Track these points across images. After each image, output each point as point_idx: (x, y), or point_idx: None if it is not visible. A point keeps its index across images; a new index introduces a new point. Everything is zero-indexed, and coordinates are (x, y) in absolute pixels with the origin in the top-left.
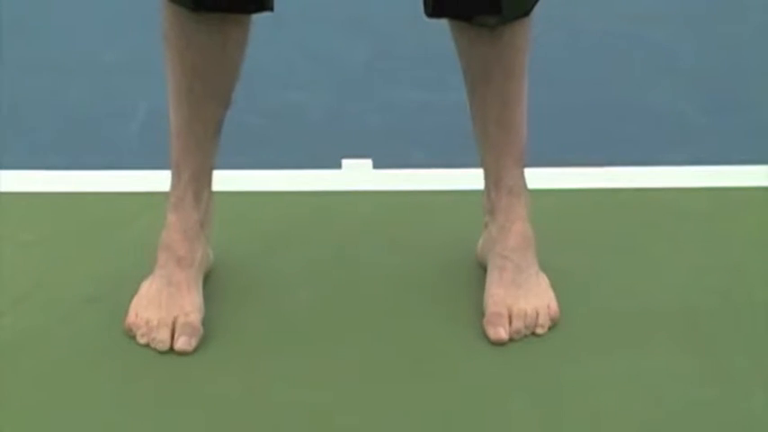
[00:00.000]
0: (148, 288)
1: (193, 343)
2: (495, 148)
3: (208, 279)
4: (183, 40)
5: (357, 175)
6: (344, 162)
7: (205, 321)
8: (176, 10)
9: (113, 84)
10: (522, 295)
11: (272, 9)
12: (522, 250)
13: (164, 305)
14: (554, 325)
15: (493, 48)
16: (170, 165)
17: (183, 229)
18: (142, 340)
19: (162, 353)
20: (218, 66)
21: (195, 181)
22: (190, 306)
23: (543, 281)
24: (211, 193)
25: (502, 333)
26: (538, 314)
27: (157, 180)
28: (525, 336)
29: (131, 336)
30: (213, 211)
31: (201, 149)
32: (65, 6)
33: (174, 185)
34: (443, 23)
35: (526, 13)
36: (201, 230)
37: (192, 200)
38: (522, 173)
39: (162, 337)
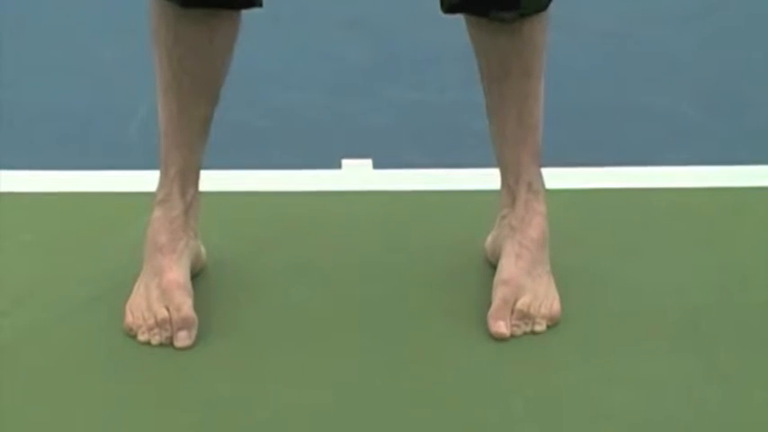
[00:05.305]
0: (138, 287)
1: (192, 335)
2: (515, 145)
3: (207, 279)
4: (171, 36)
5: (357, 175)
6: (344, 162)
7: (205, 321)
8: (165, 5)
9: (113, 84)
10: (530, 287)
11: (260, 5)
12: (540, 244)
13: (154, 299)
14: (554, 325)
15: (512, 44)
16: (158, 162)
17: (168, 221)
18: (143, 338)
19: (163, 350)
20: (205, 61)
21: (181, 178)
22: (179, 296)
23: (552, 282)
24: (198, 191)
25: (502, 328)
26: (539, 309)
27: (157, 180)
28: (524, 332)
29: (132, 335)
30: (199, 208)
31: (188, 146)
32: (65, 6)
33: (160, 182)
34: (447, 22)
35: (543, 7)
36: (186, 221)
37: (177, 195)
38: (540, 171)
39: (161, 335)
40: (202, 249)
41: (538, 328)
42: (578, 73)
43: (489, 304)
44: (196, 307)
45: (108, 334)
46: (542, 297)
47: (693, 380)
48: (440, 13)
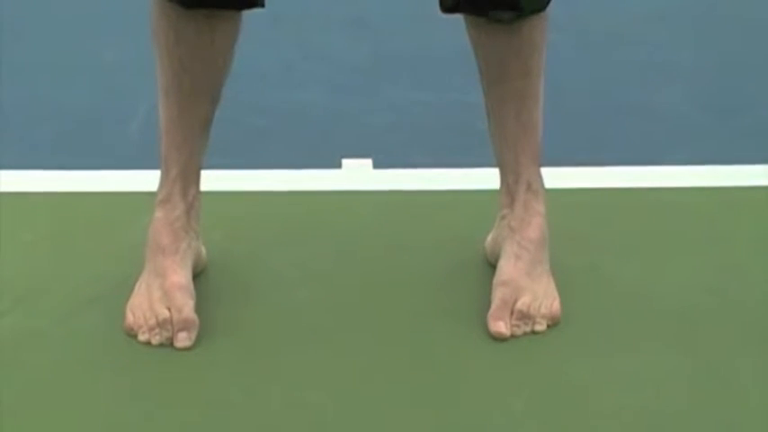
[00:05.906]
0: (139, 287)
1: (193, 337)
2: (514, 145)
3: (208, 279)
4: (172, 36)
5: (357, 175)
6: (344, 162)
7: (205, 321)
8: (166, 6)
9: (113, 84)
10: (530, 287)
11: (263, 5)
12: (539, 244)
13: (155, 300)
14: (554, 324)
15: (510, 44)
16: (159, 162)
17: (169, 222)
18: (143, 338)
19: (163, 350)
20: (206, 61)
21: (182, 178)
22: (180, 297)
23: (551, 282)
24: (199, 191)
25: (502, 328)
26: (539, 309)
27: (157, 180)
28: (525, 332)
29: (132, 335)
30: (200, 208)
31: (189, 146)
32: (65, 6)
33: (161, 182)
34: (447, 22)
35: (542, 7)
36: (188, 222)
37: (178, 196)
38: (539, 171)
39: (162, 335)
40: (203, 249)
41: (538, 327)
42: (578, 73)
43: (489, 305)
44: (196, 307)
45: (108, 334)
46: (542, 297)
47: (693, 380)
48: (439, 13)
